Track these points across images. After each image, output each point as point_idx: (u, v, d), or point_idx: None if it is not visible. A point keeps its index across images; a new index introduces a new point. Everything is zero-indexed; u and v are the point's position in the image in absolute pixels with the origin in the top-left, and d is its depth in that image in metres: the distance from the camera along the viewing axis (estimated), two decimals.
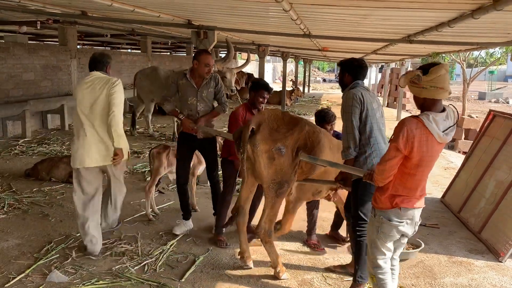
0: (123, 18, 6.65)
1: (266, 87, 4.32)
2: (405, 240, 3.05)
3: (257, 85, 4.34)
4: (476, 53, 12.32)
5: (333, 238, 4.66)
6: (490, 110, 6.23)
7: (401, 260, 4.12)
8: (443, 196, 6.24)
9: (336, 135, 4.30)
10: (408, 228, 2.89)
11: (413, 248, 4.35)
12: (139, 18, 6.39)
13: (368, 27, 5.51)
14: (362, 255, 3.40)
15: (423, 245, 4.36)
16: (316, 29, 6.22)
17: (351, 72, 3.43)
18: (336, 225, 4.69)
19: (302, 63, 26.01)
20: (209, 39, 5.97)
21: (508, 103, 27.26)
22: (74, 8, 6.10)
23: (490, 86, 33.71)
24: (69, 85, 11.46)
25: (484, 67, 12.46)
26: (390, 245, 2.96)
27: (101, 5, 4.78)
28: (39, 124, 10.38)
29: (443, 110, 2.70)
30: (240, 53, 25.43)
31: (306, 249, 4.42)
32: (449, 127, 2.68)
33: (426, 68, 2.61)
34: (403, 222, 2.84)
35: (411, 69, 3.02)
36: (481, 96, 29.64)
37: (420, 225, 5.00)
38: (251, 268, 3.91)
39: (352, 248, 3.68)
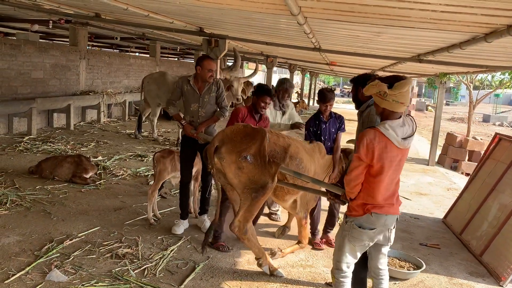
0: (136, 22, 6.71)
1: (269, 92, 4.46)
2: (385, 249, 3.13)
3: (260, 90, 4.48)
4: (483, 75, 12.34)
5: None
6: (496, 133, 6.22)
7: (402, 280, 4.16)
8: (445, 216, 6.22)
9: (335, 117, 4.67)
10: (382, 235, 2.98)
11: (414, 269, 4.33)
12: (152, 23, 6.45)
13: (379, 44, 5.55)
14: (357, 273, 3.37)
15: (424, 266, 4.33)
16: (327, 44, 6.26)
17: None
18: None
19: (308, 76, 26.11)
20: (219, 47, 6.03)
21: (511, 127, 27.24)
22: (88, 10, 6.16)
23: (495, 109, 33.74)
24: (77, 85, 11.54)
25: (491, 90, 12.48)
26: (358, 252, 3.05)
27: (116, 8, 4.83)
28: (44, 122, 10.43)
29: (399, 117, 2.87)
30: (247, 63, 25.54)
31: (308, 262, 4.40)
32: (409, 136, 2.85)
33: (392, 83, 2.77)
34: (374, 229, 2.92)
35: (377, 80, 3.06)
36: (486, 119, 29.64)
37: (421, 244, 5.13)
38: (267, 273, 3.98)
39: None
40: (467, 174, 10.73)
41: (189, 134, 4.62)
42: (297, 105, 18.29)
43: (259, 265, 3.94)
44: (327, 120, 4.67)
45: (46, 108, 9.96)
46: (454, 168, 11.05)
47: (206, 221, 4.90)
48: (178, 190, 5.46)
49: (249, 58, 14.37)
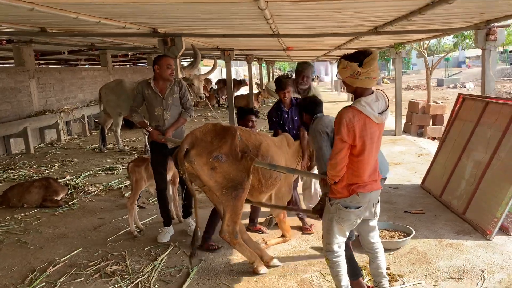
0: (86, 31, 6.43)
1: (251, 111, 4.56)
2: (373, 222, 3.16)
3: (243, 112, 4.55)
4: (431, 41, 12.65)
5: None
6: (459, 94, 6.39)
7: (394, 249, 4.20)
8: (423, 182, 6.35)
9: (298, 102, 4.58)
10: (367, 211, 3.02)
11: (405, 236, 4.38)
12: (104, 31, 6.19)
13: (338, 22, 5.54)
14: (348, 254, 3.38)
15: (414, 233, 4.39)
16: (286, 28, 6.21)
17: (308, 111, 3.64)
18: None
19: (265, 65, 26.13)
20: (177, 46, 5.88)
21: (465, 87, 28.27)
22: (33, 25, 5.83)
23: (447, 73, 34.90)
24: (30, 107, 11.03)
25: (444, 54, 12.88)
26: (347, 231, 3.08)
27: (65, 18, 4.59)
28: (1, 149, 9.90)
29: (372, 92, 2.87)
30: (202, 60, 25.28)
31: (301, 248, 4.38)
32: (383, 110, 2.85)
33: (361, 60, 2.74)
34: (360, 207, 2.94)
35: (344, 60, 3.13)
36: (439, 83, 30.61)
37: (406, 212, 5.20)
38: (265, 273, 3.84)
39: None
40: (433, 138, 11.06)
41: (156, 139, 4.48)
42: (259, 95, 18.29)
43: (256, 269, 3.80)
44: (288, 109, 4.65)
45: (1, 134, 9.46)
46: (420, 134, 11.34)
47: (192, 223, 4.78)
48: (156, 199, 5.32)
49: (204, 54, 14.17)
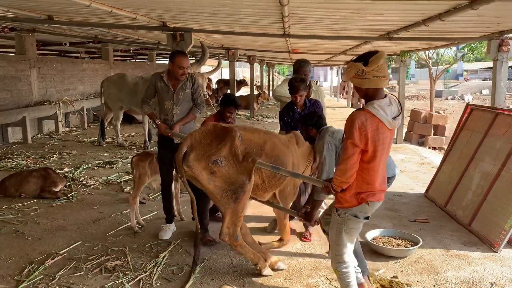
0: (93, 22, 6.32)
1: (234, 103, 4.52)
2: None
3: (226, 101, 4.52)
4: (428, 52, 12.62)
5: None
6: (467, 104, 6.35)
7: (401, 257, 4.13)
8: (427, 190, 6.29)
9: (310, 105, 4.57)
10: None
11: (411, 245, 4.31)
12: (113, 21, 6.08)
13: (352, 24, 5.47)
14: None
15: (421, 242, 4.31)
16: (297, 29, 6.13)
17: (316, 126, 3.70)
18: None
19: (266, 67, 26.12)
20: (185, 41, 5.81)
21: (463, 99, 28.40)
22: (40, 12, 5.72)
23: (446, 84, 35.05)
24: (30, 96, 10.88)
25: (447, 65, 12.89)
26: (355, 238, 3.03)
27: (78, 5, 4.48)
28: None
29: (385, 96, 2.77)
30: None
31: (306, 251, 4.29)
32: (396, 115, 2.75)
33: (367, 59, 2.64)
34: (368, 216, 2.89)
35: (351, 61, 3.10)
36: (438, 94, 30.66)
37: (410, 220, 5.13)
38: (270, 275, 3.75)
39: None
40: (434, 148, 11.03)
41: (163, 133, 4.42)
42: (259, 97, 18.23)
43: (259, 271, 3.71)
44: (302, 111, 4.50)
45: None
46: (421, 144, 11.31)
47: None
48: (156, 195, 5.20)
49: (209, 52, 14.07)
